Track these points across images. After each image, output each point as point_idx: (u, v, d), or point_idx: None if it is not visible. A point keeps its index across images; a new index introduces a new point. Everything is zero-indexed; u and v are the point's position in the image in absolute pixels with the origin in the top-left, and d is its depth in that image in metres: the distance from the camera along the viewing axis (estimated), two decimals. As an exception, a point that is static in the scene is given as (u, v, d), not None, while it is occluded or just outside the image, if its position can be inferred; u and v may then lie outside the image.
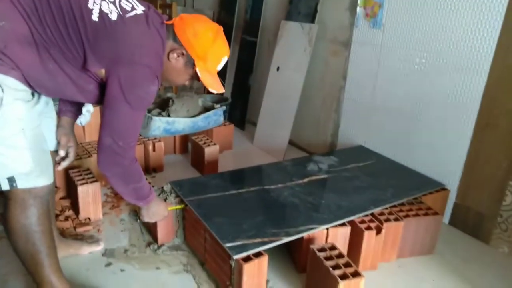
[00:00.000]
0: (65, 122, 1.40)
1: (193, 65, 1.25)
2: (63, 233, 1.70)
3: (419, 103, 2.03)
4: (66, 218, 1.80)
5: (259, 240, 1.39)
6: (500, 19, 1.66)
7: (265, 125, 2.83)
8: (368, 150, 2.29)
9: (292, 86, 2.61)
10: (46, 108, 1.28)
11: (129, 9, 1.16)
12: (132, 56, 1.13)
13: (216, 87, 1.30)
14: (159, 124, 2.34)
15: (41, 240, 1.16)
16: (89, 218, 1.82)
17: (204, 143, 2.35)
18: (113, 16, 1.12)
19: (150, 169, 2.33)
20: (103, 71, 1.15)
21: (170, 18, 1.27)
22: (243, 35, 3.23)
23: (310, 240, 1.48)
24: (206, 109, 2.67)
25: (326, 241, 1.51)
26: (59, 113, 1.41)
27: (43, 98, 1.23)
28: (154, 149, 2.30)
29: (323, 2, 2.49)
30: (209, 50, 1.24)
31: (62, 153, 1.35)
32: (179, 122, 2.42)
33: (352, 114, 2.43)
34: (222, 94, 3.36)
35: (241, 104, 3.20)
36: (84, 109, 2.15)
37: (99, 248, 1.62)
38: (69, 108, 1.42)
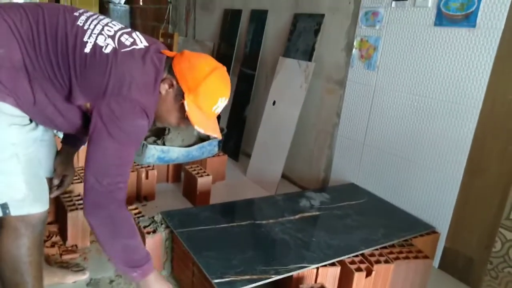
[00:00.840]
0: (65, 151, 1.40)
1: (183, 97, 1.12)
2: (48, 260, 1.66)
3: (411, 144, 2.07)
4: (53, 244, 1.76)
5: (248, 277, 1.37)
6: (489, 65, 1.73)
7: (259, 157, 2.85)
8: (360, 188, 2.31)
9: (287, 121, 2.65)
10: (45, 134, 1.28)
11: (128, 44, 1.11)
12: (120, 89, 1.05)
13: (209, 128, 1.17)
14: (154, 152, 2.34)
15: (28, 271, 1.13)
16: (76, 245, 1.79)
17: (197, 173, 2.35)
18: (107, 50, 1.07)
19: (142, 197, 2.31)
20: (88, 105, 1.10)
21: (170, 48, 1.27)
22: (241, 67, 3.31)
23: (300, 279, 1.47)
24: (201, 139, 2.68)
25: (316, 281, 1.49)
26: (62, 141, 1.41)
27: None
28: (147, 177, 2.29)
29: (321, 42, 2.58)
30: (201, 82, 1.11)
31: (55, 181, 1.35)
32: (174, 151, 2.43)
33: (345, 151, 2.47)
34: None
35: (236, 135, 3.23)
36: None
37: (84, 277, 1.58)
38: (71, 137, 1.41)
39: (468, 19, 1.79)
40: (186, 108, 1.11)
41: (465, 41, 1.81)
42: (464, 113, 1.83)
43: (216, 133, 1.21)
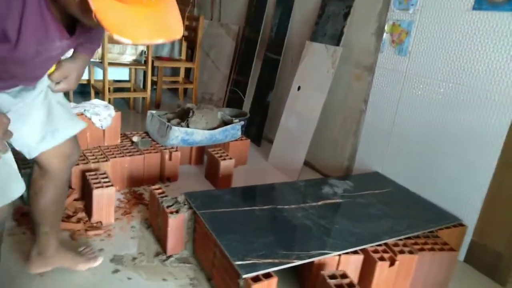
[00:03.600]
0: (68, 58, 1.16)
1: None
2: (73, 236, 1.71)
3: (440, 134, 2.00)
4: (78, 220, 1.81)
5: (269, 260, 1.36)
6: (531, 57, 1.63)
7: (282, 143, 2.83)
8: (385, 178, 2.25)
9: (312, 107, 2.61)
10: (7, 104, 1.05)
11: None
12: None
13: (128, 28, 0.71)
14: (178, 134, 2.35)
15: None
16: (100, 222, 1.83)
17: (220, 156, 2.35)
18: None
19: (165, 178, 2.34)
20: None
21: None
22: (266, 52, 3.26)
23: (321, 266, 1.45)
24: (225, 123, 2.68)
25: (337, 268, 1.48)
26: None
27: None
28: (170, 159, 2.31)
29: (350, 26, 2.51)
30: None
31: (52, 86, 1.16)
32: (198, 134, 2.44)
33: (371, 139, 2.41)
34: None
35: (259, 120, 3.21)
36: (106, 113, 2.20)
37: (96, 264, 1.52)
38: (82, 42, 1.10)
39: (511, 2, 1.68)
40: None
41: (506, 26, 1.71)
42: (501, 102, 1.74)
43: (150, 39, 0.75)
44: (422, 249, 1.58)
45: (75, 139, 1.30)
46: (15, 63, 0.91)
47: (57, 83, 1.17)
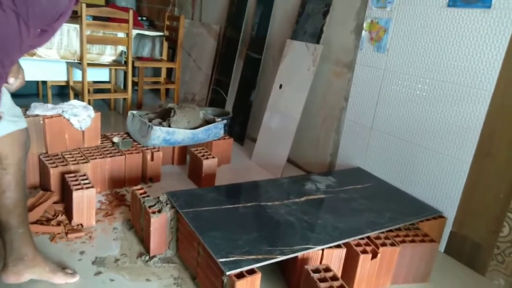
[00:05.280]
0: None
1: None
2: (54, 239, 1.67)
3: (419, 128, 2.04)
4: (58, 223, 1.77)
5: (253, 257, 1.37)
6: (504, 48, 1.68)
7: (265, 141, 2.83)
8: (366, 173, 2.29)
9: (293, 104, 2.63)
10: None
11: None
12: None
13: None
14: (159, 134, 2.33)
15: None
16: (81, 225, 1.79)
17: (203, 156, 2.34)
18: None
19: (147, 178, 2.31)
20: None
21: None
22: (248, 51, 3.27)
23: (305, 260, 1.46)
24: (207, 122, 2.67)
25: (321, 262, 1.49)
26: None
27: None
28: (152, 159, 2.29)
29: (329, 24, 2.53)
30: None
31: (10, 86, 1.19)
32: (179, 133, 2.42)
33: (352, 135, 2.44)
34: (223, 107, 3.38)
35: (241, 119, 3.21)
36: (85, 114, 2.16)
37: (74, 280, 1.44)
38: None
39: (483, 0, 1.73)
40: None
41: (479, 23, 1.76)
42: (476, 96, 1.79)
43: None
44: (403, 241, 1.61)
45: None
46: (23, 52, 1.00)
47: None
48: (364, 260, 1.49)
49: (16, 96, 1.27)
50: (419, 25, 2.01)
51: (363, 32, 2.31)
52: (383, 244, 1.56)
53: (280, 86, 2.79)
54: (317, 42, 2.55)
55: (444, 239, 1.93)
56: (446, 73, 1.91)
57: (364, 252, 1.50)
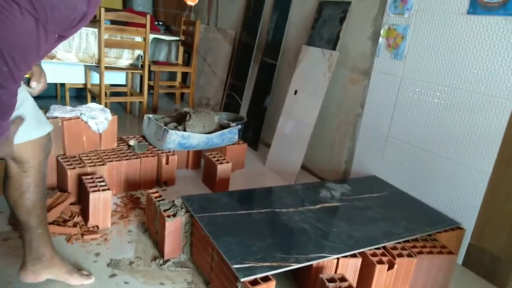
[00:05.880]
0: None
1: None
2: (70, 240, 1.69)
3: (437, 137, 2.01)
4: (75, 224, 1.79)
5: (267, 264, 1.36)
6: (526, 60, 1.65)
7: (279, 147, 2.83)
8: (382, 181, 2.26)
9: (308, 110, 2.61)
10: None
11: None
12: None
13: None
14: (175, 138, 2.34)
15: None
16: (97, 226, 1.81)
17: (217, 160, 2.35)
18: None
19: (162, 182, 2.32)
20: None
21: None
22: (263, 57, 3.27)
23: (319, 269, 1.45)
24: (222, 127, 2.68)
25: (336, 271, 1.47)
26: None
27: None
28: (167, 162, 2.30)
29: (346, 30, 2.52)
30: None
31: (33, 90, 1.23)
32: (194, 137, 2.43)
33: (368, 143, 2.41)
34: (238, 113, 3.38)
35: (255, 124, 3.21)
36: (102, 117, 2.19)
37: (89, 281, 1.46)
38: None
39: (505, 7, 1.70)
40: None
41: (500, 30, 1.73)
42: (496, 105, 1.76)
43: None
44: (420, 252, 1.58)
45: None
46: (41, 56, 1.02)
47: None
48: (380, 271, 1.46)
49: (35, 98, 1.30)
50: (438, 32, 1.99)
51: (380, 38, 2.29)
52: (400, 255, 1.53)
53: (295, 92, 2.78)
54: (333, 48, 2.54)
55: (462, 251, 1.89)
56: (465, 81, 1.88)
57: (380, 262, 1.48)
